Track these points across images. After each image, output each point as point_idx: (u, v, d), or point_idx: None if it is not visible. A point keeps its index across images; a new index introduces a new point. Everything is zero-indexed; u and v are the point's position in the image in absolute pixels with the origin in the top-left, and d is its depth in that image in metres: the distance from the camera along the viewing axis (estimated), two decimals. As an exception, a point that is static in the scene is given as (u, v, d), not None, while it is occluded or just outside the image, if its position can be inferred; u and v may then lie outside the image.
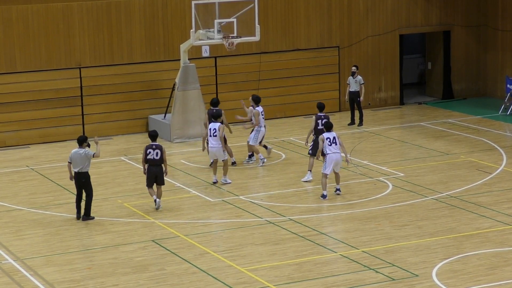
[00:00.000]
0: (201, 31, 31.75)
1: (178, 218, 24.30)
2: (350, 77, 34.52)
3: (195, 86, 33.08)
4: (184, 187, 27.56)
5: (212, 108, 28.82)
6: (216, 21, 31.43)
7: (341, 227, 23.90)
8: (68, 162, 22.62)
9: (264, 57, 35.20)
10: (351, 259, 21.25)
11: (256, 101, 29.84)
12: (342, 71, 36.89)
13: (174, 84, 33.07)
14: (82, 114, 33.22)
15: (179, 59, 32.98)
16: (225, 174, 27.27)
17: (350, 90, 34.49)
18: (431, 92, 39.59)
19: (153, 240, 22.80)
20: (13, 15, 32.18)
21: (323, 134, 25.72)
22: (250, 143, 29.72)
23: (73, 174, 22.93)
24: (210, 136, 27.16)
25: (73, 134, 32.23)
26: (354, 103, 34.28)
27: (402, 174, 27.34)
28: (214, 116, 27.90)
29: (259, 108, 29.36)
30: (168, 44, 33.94)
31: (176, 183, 27.84)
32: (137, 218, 24.40)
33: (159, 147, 24.80)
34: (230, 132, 29.30)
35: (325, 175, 25.29)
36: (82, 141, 22.66)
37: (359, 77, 34.26)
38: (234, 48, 31.79)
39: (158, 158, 24.75)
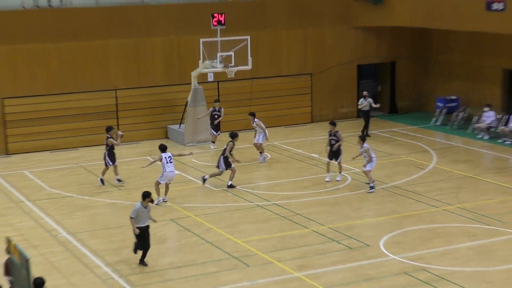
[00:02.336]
0: (207, 61, 31.75)
1: (190, 203, 24.62)
2: (362, 99, 33.90)
3: (202, 104, 33.21)
4: (194, 179, 27.52)
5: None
6: (219, 54, 31.56)
7: (312, 209, 23.79)
8: (131, 217, 18.89)
9: (255, 82, 35.22)
10: (320, 233, 21.61)
11: (253, 114, 30.25)
12: (313, 92, 37.03)
13: (186, 102, 33.18)
14: (117, 125, 32.99)
15: (190, 83, 33.01)
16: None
17: (363, 109, 33.86)
18: (380, 108, 38.19)
19: (171, 219, 23.12)
20: (65, 50, 32.43)
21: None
22: (260, 141, 29.68)
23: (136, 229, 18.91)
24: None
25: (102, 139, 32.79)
26: (365, 118, 34.03)
27: (358, 170, 26.96)
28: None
29: (256, 120, 29.74)
30: (182, 72, 33.93)
31: (187, 176, 27.90)
32: (158, 196, 24.51)
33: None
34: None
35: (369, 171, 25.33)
36: (146, 196, 19.06)
37: (370, 99, 33.76)
38: (233, 75, 32.18)
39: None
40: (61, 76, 32.56)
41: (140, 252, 19.09)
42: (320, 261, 19.71)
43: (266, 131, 29.63)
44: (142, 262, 19.04)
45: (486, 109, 33.68)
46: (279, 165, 29.41)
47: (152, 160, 25.85)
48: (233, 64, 31.88)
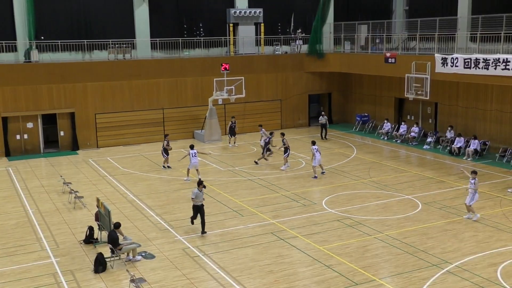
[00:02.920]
0: (218, 92, 31.75)
1: (205, 177, 24.14)
2: (321, 116, 32.97)
3: (215, 117, 32.97)
4: (209, 162, 27.49)
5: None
6: (225, 87, 31.51)
7: (282, 181, 23.67)
8: (192, 198, 17.62)
9: (247, 104, 34.86)
10: (286, 196, 21.56)
11: (260, 126, 29.96)
12: (282, 111, 36.55)
13: (205, 117, 32.95)
14: (164, 130, 32.73)
15: (208, 105, 32.84)
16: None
17: (322, 123, 32.61)
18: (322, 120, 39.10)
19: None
20: (133, 85, 32.29)
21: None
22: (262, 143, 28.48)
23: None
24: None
25: (160, 138, 32.64)
26: (323, 129, 32.83)
27: (308, 158, 26.62)
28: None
29: (263, 130, 29.02)
30: (203, 98, 33.50)
31: (206, 161, 27.94)
32: (187, 176, 24.43)
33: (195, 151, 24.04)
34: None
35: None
36: (200, 184, 17.89)
37: (325, 117, 33.02)
38: (234, 100, 32.22)
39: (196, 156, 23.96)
40: (131, 100, 32.45)
41: (195, 222, 18.05)
42: (286, 213, 19.70)
43: (269, 136, 28.50)
44: (203, 231, 17.61)
45: (385, 121, 33.67)
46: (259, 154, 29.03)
47: (184, 155, 25.06)
48: (234, 93, 31.84)
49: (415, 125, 32.30)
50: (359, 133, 35.00)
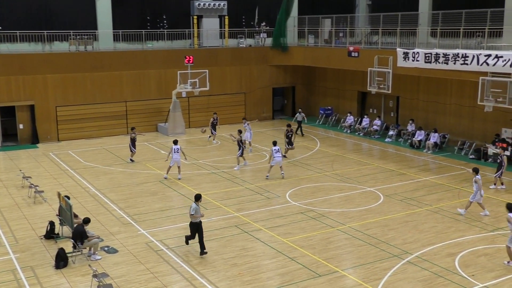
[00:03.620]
0: (182, 85, 31.50)
1: (171, 171, 24.15)
2: (298, 113, 32.34)
3: (178, 110, 32.77)
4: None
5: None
6: (189, 80, 31.28)
7: (245, 174, 23.69)
8: (191, 214, 15.33)
9: (211, 97, 34.67)
10: (250, 189, 21.59)
11: (244, 118, 29.49)
12: (246, 104, 36.49)
13: (169, 109, 32.68)
14: (126, 123, 32.46)
15: (171, 98, 32.60)
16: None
17: (298, 120, 32.06)
18: (286, 113, 39.01)
19: (159, 181, 22.85)
20: (95, 77, 31.74)
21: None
22: (249, 139, 28.07)
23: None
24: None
25: (122, 131, 32.33)
26: (299, 127, 32.16)
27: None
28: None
29: (247, 123, 28.53)
30: (167, 91, 33.21)
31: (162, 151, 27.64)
32: (166, 174, 24.32)
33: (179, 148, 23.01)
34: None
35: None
36: (199, 198, 15.69)
37: (302, 114, 32.25)
38: (198, 93, 32.02)
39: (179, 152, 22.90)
40: (93, 93, 31.93)
41: (191, 243, 15.96)
42: (250, 205, 19.74)
43: (251, 131, 28.41)
44: (202, 252, 15.32)
45: (348, 115, 33.96)
46: (225, 147, 29.08)
47: (168, 152, 23.64)
48: (197, 86, 31.64)
49: (377, 119, 32.75)
50: (322, 126, 35.24)
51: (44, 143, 30.49)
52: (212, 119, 30.71)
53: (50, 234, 16.79)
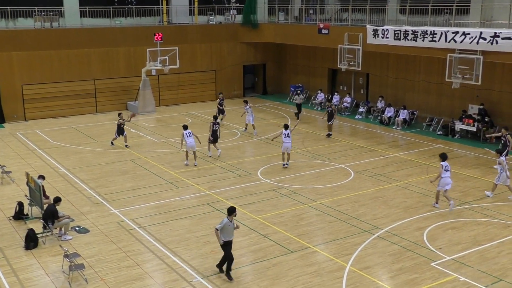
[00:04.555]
0: (151, 62, 31.22)
1: (140, 149, 23.67)
2: (296, 96, 31.05)
3: (148, 88, 32.50)
4: (143, 134, 27.00)
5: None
6: (159, 58, 31.04)
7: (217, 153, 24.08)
8: (216, 229, 12.80)
9: (181, 75, 34.40)
10: (222, 167, 21.55)
11: (246, 101, 27.82)
12: (216, 82, 36.23)
13: (139, 88, 32.37)
14: (95, 102, 32.26)
15: (141, 76, 32.22)
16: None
17: (297, 103, 30.31)
18: (257, 91, 39.07)
19: (130, 160, 22.44)
20: (62, 55, 31.19)
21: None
22: (251, 122, 26.82)
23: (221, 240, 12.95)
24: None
25: (91, 110, 31.87)
26: (298, 108, 30.43)
27: (242, 128, 27.19)
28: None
29: (249, 105, 27.19)
30: (137, 68, 32.77)
31: (141, 133, 27.42)
32: (186, 160, 24.14)
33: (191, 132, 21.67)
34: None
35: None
36: (233, 212, 12.94)
37: (301, 96, 31.44)
38: (167, 71, 31.75)
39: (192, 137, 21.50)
40: (60, 71, 31.33)
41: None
42: (222, 183, 19.74)
43: (253, 114, 27.24)
44: (228, 275, 12.92)
45: (319, 92, 34.10)
46: (197, 126, 28.74)
47: (180, 139, 21.98)
48: (167, 64, 31.36)
49: (347, 96, 32.94)
50: (293, 104, 35.14)
51: (11, 122, 29.89)
52: (218, 99, 29.66)
53: (19, 215, 16.54)
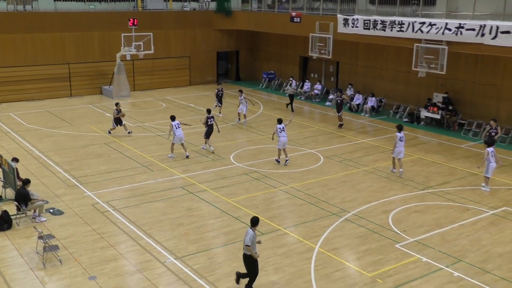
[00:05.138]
0: (126, 47, 30.86)
1: (114, 133, 23.56)
2: (288, 86, 30.21)
3: (123, 73, 32.08)
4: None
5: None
6: (133, 43, 30.71)
7: (191, 137, 23.12)
8: (248, 245, 10.98)
9: (156, 61, 34.07)
10: (195, 151, 21.37)
11: (241, 91, 26.31)
12: (191, 68, 35.92)
13: (113, 72, 31.99)
14: (70, 85, 31.68)
15: (116, 60, 31.80)
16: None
17: (289, 93, 28.91)
18: (231, 77, 38.93)
19: (104, 143, 22.20)
20: (36, 38, 30.58)
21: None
22: (244, 112, 25.73)
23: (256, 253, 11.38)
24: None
25: (66, 94, 31.40)
26: (291, 99, 29.00)
27: (221, 115, 27.27)
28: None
29: (243, 95, 25.85)
30: (111, 53, 32.29)
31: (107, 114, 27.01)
32: (171, 153, 23.85)
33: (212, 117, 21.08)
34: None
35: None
36: (257, 222, 11.33)
37: (294, 86, 30.58)
38: (142, 56, 31.41)
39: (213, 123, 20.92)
40: (34, 54, 30.74)
41: (242, 281, 11.82)
42: (196, 167, 19.72)
43: (247, 104, 26.03)
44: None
45: (290, 79, 34.06)
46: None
47: (168, 130, 20.88)
48: (142, 49, 31.00)
49: (318, 83, 33.07)
50: (265, 90, 35.27)
51: (-16, 105, 29.35)
52: (217, 90, 27.93)
53: (-7, 197, 16.27)
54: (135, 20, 30.90)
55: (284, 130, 19.88)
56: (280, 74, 36.48)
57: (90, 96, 31.87)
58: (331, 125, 26.09)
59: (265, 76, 36.39)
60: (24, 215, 14.88)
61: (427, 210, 16.05)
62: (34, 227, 13.88)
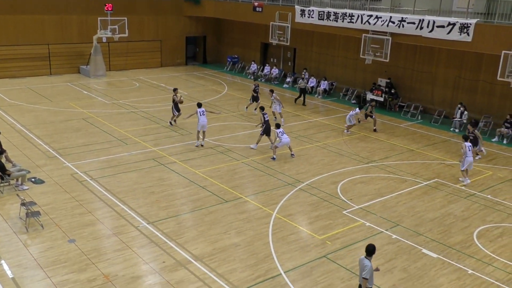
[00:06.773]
0: (102, 31, 29.95)
1: (91, 109, 22.91)
2: (301, 80, 27.33)
3: (99, 54, 31.24)
4: (94, 96, 26.17)
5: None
6: (109, 27, 29.83)
7: (162, 114, 22.80)
8: (365, 278, 8.45)
9: (130, 44, 33.28)
10: (165, 127, 20.98)
11: (272, 91, 22.67)
12: (162, 50, 35.25)
13: (90, 53, 31.11)
14: (49, 64, 30.70)
15: (93, 42, 30.93)
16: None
17: (301, 87, 26.30)
18: (198, 60, 38.27)
19: (82, 119, 21.88)
20: (18, 20, 29.43)
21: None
22: (278, 110, 22.43)
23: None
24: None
25: (46, 72, 30.40)
26: (301, 94, 26.44)
27: (185, 93, 26.78)
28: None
29: (274, 95, 22.57)
30: (89, 35, 31.37)
31: (84, 91, 26.45)
32: (197, 140, 23.18)
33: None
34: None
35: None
36: (373, 252, 8.58)
37: (305, 80, 27.23)
38: (117, 39, 30.64)
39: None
40: (16, 35, 29.56)
41: None
42: (166, 141, 19.44)
43: (281, 103, 22.63)
44: None
45: (252, 63, 33.97)
46: (144, 90, 28.12)
47: (190, 114, 20.21)
48: (117, 32, 30.14)
49: (274, 67, 33.02)
50: (230, 73, 34.95)
51: (-32, 81, 28.14)
52: (254, 86, 24.41)
53: (-22, 167, 15.69)
54: (111, 5, 29.98)
55: (285, 133, 18.03)
56: (243, 59, 36.17)
57: (69, 75, 30.96)
58: (288, 106, 25.99)
59: (229, 59, 36.04)
60: (7, 183, 14.45)
61: (371, 181, 16.33)
62: (17, 194, 13.51)
